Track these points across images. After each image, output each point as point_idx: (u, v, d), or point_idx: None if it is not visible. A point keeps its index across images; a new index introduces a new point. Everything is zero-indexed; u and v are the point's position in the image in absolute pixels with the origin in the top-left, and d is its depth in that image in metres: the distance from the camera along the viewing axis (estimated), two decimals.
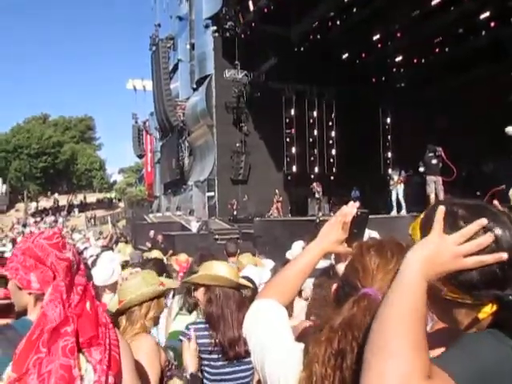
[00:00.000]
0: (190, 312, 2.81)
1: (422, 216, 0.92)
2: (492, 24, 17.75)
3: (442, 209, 0.83)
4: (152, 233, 14.37)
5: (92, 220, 42.45)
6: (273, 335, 1.04)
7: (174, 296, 3.29)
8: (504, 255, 0.78)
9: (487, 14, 17.15)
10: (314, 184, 17.86)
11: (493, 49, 17.46)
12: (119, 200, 56.24)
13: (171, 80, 27.96)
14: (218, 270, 2.24)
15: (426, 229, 0.86)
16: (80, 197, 56.17)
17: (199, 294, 2.33)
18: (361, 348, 0.81)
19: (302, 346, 0.98)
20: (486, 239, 0.80)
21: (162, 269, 3.54)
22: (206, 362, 2.16)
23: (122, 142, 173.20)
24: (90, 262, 5.76)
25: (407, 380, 0.68)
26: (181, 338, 2.19)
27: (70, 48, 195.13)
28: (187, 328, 2.22)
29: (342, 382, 0.86)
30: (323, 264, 1.87)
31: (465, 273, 0.81)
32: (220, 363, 2.16)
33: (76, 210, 50.17)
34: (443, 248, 0.80)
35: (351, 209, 1.20)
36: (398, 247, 1.02)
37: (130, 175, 66.71)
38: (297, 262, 1.22)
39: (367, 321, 0.86)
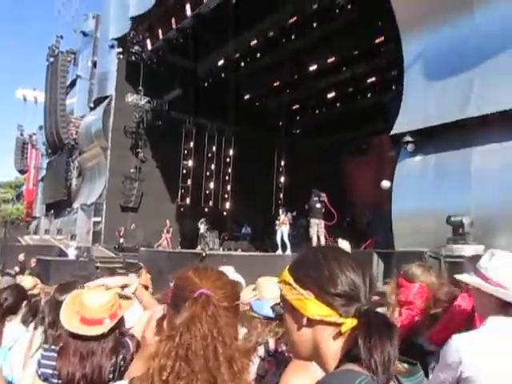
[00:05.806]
0: None
1: (292, 263, 1.00)
2: (377, 88, 20.01)
3: None
4: (22, 256, 13.09)
5: None
6: None
7: (35, 328, 2.98)
8: None
9: (373, 78, 19.34)
10: (202, 219, 17.52)
11: (377, 110, 19.47)
12: None
13: (67, 95, 26.50)
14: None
15: (297, 271, 0.95)
16: None
17: None
18: (204, 335, 0.98)
19: None
20: None
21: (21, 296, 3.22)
22: None
23: (2, 154, 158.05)
24: None
25: None
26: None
27: None
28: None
29: (181, 371, 0.96)
30: None
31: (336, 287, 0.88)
32: None
33: None
34: None
35: None
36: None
37: (7, 191, 60.43)
38: None
39: (207, 313, 1.02)
